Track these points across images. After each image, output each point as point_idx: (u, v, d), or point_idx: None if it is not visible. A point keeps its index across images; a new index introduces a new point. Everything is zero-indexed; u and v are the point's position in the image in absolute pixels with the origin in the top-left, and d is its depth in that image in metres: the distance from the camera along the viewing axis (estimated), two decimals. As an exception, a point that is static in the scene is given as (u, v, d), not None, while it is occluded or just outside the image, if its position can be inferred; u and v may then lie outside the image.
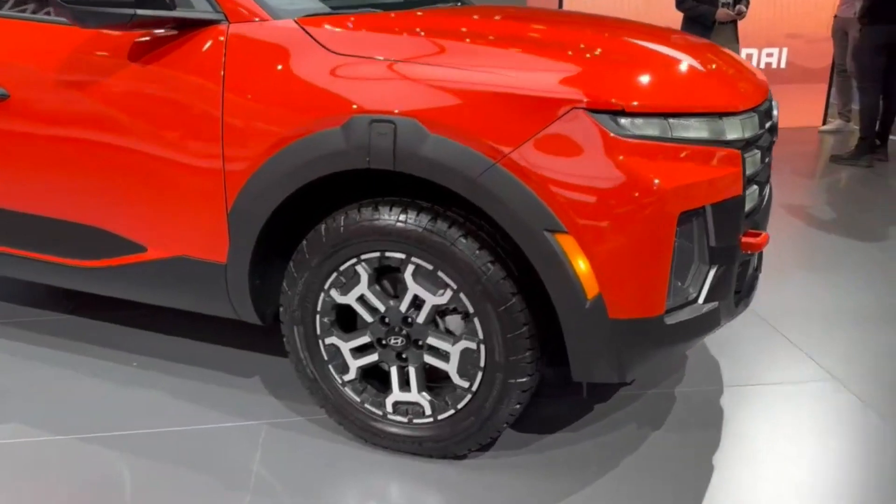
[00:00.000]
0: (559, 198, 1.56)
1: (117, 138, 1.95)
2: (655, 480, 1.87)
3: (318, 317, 1.91)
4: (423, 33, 1.80)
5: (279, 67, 1.77)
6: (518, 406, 1.80)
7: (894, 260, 3.44)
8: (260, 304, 2.02)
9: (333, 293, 1.87)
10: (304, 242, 1.85)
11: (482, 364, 1.78)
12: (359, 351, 1.92)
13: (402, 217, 1.72)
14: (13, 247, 2.26)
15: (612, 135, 1.57)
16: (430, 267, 1.74)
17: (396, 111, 1.63)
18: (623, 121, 1.58)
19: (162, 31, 1.87)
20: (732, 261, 1.80)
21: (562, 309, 1.64)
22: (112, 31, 1.91)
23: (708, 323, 1.80)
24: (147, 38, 1.88)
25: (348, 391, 1.96)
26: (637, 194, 1.56)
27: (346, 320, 1.95)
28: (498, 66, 1.64)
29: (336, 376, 1.96)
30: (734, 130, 1.70)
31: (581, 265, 1.59)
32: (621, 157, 1.57)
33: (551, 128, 1.57)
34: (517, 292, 1.70)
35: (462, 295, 1.73)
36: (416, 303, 1.81)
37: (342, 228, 1.78)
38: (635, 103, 1.58)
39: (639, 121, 1.59)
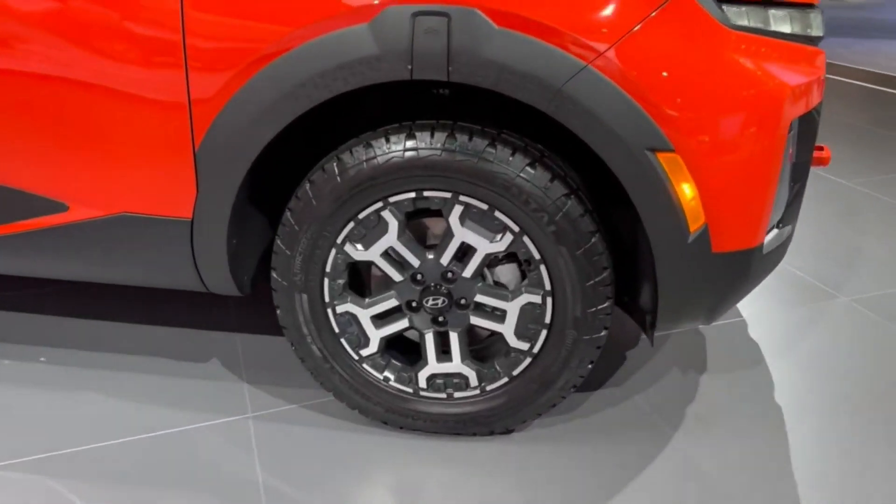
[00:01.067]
0: (665, 107, 1.24)
1: (22, 63, 1.39)
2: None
3: (326, 280, 1.50)
4: None
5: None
6: (590, 365, 1.50)
7: None
8: (237, 269, 1.57)
9: (349, 248, 1.46)
10: (308, 185, 1.42)
11: (547, 321, 1.46)
12: (381, 318, 1.53)
13: (448, 145, 1.33)
14: None
15: (722, 25, 1.26)
16: (483, 206, 1.38)
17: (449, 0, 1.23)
18: (729, 9, 1.28)
19: None
20: (806, 178, 1.59)
21: (659, 245, 1.34)
22: None
23: (784, 251, 1.59)
24: None
25: (367, 368, 1.57)
26: (755, 98, 1.28)
27: (356, 282, 1.56)
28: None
29: (351, 351, 1.56)
30: (818, 26, 1.45)
31: (686, 191, 1.29)
32: (733, 53, 1.27)
33: (655, 17, 1.23)
34: (597, 230, 1.38)
35: (526, 238, 1.39)
36: (461, 252, 1.44)
37: (364, 164, 1.36)
38: None
39: (743, 8, 1.30)
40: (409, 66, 1.26)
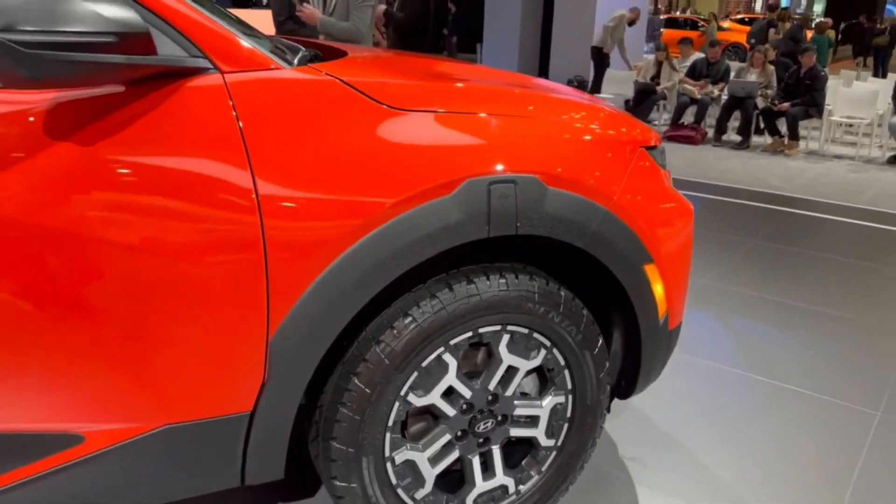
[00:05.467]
0: (647, 231, 1.67)
1: (33, 279, 1.17)
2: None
3: (388, 434, 1.54)
4: (473, 81, 1.64)
5: (337, 131, 1.35)
6: (596, 442, 1.82)
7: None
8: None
9: (411, 397, 1.54)
10: (377, 346, 1.46)
11: (569, 415, 1.74)
12: (434, 457, 1.62)
13: (501, 285, 1.55)
14: None
15: (661, 167, 1.76)
16: (525, 331, 1.61)
17: (517, 169, 1.47)
18: (655, 155, 1.78)
19: (113, 87, 1.20)
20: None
21: (646, 331, 1.74)
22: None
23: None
24: (71, 100, 1.18)
25: (421, 510, 1.63)
26: (686, 213, 1.80)
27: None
28: (582, 118, 1.64)
29: (407, 498, 1.60)
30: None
31: (658, 289, 1.73)
32: (669, 185, 1.77)
33: (631, 168, 1.66)
34: (600, 332, 1.73)
35: (555, 350, 1.66)
36: (504, 375, 1.64)
37: (434, 316, 1.49)
38: (654, 143, 1.80)
39: (656, 153, 1.81)
40: (488, 227, 1.45)
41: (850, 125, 7.97)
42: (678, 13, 24.88)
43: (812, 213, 5.25)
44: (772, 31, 12.45)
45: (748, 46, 13.36)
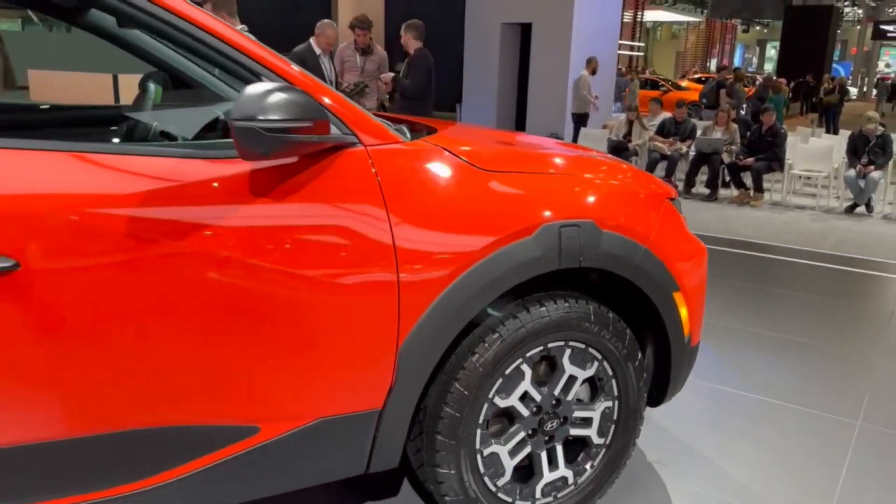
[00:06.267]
0: (674, 265, 2.08)
1: (232, 304, 1.52)
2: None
3: (479, 430, 1.90)
4: (539, 148, 2.06)
5: (445, 188, 1.76)
6: (636, 442, 2.19)
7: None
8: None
9: (497, 399, 1.90)
10: (473, 357, 1.84)
11: (615, 417, 2.12)
12: (512, 450, 1.98)
13: (566, 308, 1.94)
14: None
15: (682, 216, 2.19)
16: (582, 346, 2.00)
17: (578, 216, 1.88)
18: (675, 204, 2.22)
19: (288, 159, 1.59)
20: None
21: (675, 347, 2.14)
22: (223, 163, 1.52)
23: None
24: (265, 167, 1.56)
25: (502, 496, 1.98)
26: (702, 251, 2.22)
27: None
28: (618, 174, 2.08)
29: (491, 485, 1.96)
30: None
31: (683, 312, 2.14)
32: (687, 229, 2.21)
33: (661, 215, 2.09)
34: (639, 347, 2.12)
35: (606, 363, 2.05)
36: (566, 383, 2.02)
37: (515, 333, 1.87)
38: (674, 195, 2.23)
39: (676, 203, 2.25)
40: (559, 261, 1.85)
41: (809, 178, 8.64)
42: (642, 74, 26.10)
43: (783, 258, 5.77)
44: (722, 91, 13.33)
45: (702, 105, 14.26)
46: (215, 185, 1.49)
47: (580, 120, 10.52)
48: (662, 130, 9.30)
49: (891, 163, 7.84)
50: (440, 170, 1.77)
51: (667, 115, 9.89)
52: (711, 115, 11.47)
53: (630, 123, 9.65)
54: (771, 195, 8.48)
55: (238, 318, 1.53)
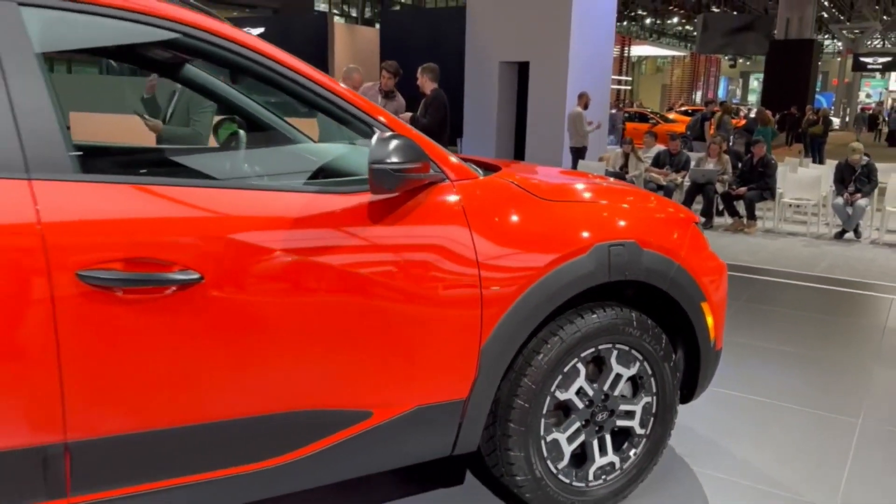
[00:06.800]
0: (701, 279, 2.45)
1: (351, 310, 1.87)
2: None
3: (542, 420, 2.24)
4: (585, 182, 2.44)
5: (515, 215, 2.13)
6: (671, 433, 2.54)
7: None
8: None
9: (557, 393, 2.25)
10: (538, 356, 2.19)
11: (654, 411, 2.46)
12: (569, 438, 2.32)
13: (613, 316, 2.29)
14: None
15: (705, 237, 2.57)
16: (626, 348, 2.36)
17: (623, 237, 2.25)
18: (699, 228, 2.60)
19: (393, 193, 1.95)
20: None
21: (703, 350, 2.50)
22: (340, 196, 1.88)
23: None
24: (380, 199, 1.93)
25: (561, 477, 2.31)
26: (722, 268, 2.59)
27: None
28: (650, 202, 2.45)
29: (553, 467, 2.29)
30: None
31: (709, 320, 2.50)
32: (711, 251, 2.58)
33: (689, 236, 2.46)
34: (674, 349, 2.48)
35: (646, 363, 2.40)
36: (613, 380, 2.37)
37: (573, 336, 2.22)
38: (697, 220, 2.61)
39: (699, 226, 2.62)
40: (609, 274, 2.22)
41: (799, 206, 9.09)
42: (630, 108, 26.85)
43: (780, 280, 6.17)
44: (707, 123, 13.86)
45: (689, 138, 14.79)
46: (342, 213, 1.85)
47: (578, 153, 10.97)
48: (657, 162, 9.75)
49: (876, 190, 8.30)
50: (510, 200, 2.14)
51: (661, 147, 10.36)
52: (697, 147, 11.99)
53: (626, 156, 10.11)
54: (763, 223, 8.91)
55: (361, 319, 1.87)
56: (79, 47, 2.23)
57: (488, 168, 2.39)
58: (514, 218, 2.12)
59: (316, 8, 28.03)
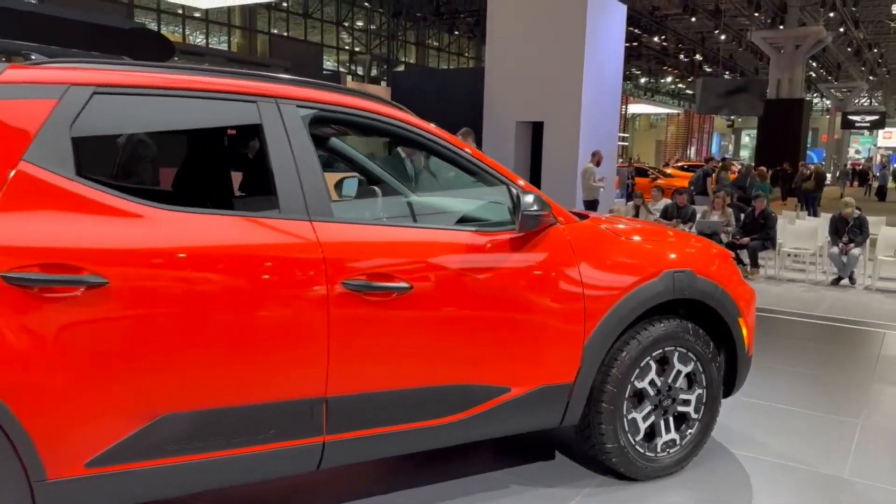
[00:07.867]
0: (738, 300, 3.24)
1: (501, 313, 2.67)
2: (738, 445, 3.59)
3: (625, 402, 3.00)
4: (649, 226, 3.25)
5: (607, 249, 2.94)
6: (717, 419, 3.30)
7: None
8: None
9: (635, 382, 3.02)
10: (622, 354, 2.96)
11: (705, 400, 3.23)
12: (644, 417, 3.08)
13: (673, 325, 3.08)
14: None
15: (738, 269, 3.38)
16: (685, 350, 3.13)
17: (683, 266, 3.06)
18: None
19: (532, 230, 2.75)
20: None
21: (740, 355, 3.28)
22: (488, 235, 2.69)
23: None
24: (519, 236, 2.73)
25: (638, 448, 3.06)
26: (752, 291, 3.39)
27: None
28: (697, 241, 3.27)
29: (632, 440, 3.04)
30: None
31: (744, 332, 3.29)
32: (743, 279, 3.38)
33: (728, 266, 3.27)
34: (718, 352, 3.26)
35: (699, 363, 3.18)
36: (675, 374, 3.14)
37: (646, 339, 3.00)
38: (732, 256, 3.43)
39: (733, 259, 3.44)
40: (673, 294, 3.01)
41: (798, 255, 9.94)
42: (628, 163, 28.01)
43: (784, 317, 6.96)
44: (708, 179, 14.82)
45: (693, 193, 15.73)
46: (490, 245, 2.66)
47: (590, 206, 11.87)
48: (666, 214, 10.62)
49: (868, 241, 9.16)
50: (602, 238, 2.95)
51: (667, 201, 11.26)
52: (700, 200, 12.90)
53: (637, 208, 11.01)
54: (765, 270, 9.73)
55: (505, 320, 2.66)
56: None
57: (580, 216, 3.21)
58: (606, 251, 2.92)
59: (325, 66, 29.31)
